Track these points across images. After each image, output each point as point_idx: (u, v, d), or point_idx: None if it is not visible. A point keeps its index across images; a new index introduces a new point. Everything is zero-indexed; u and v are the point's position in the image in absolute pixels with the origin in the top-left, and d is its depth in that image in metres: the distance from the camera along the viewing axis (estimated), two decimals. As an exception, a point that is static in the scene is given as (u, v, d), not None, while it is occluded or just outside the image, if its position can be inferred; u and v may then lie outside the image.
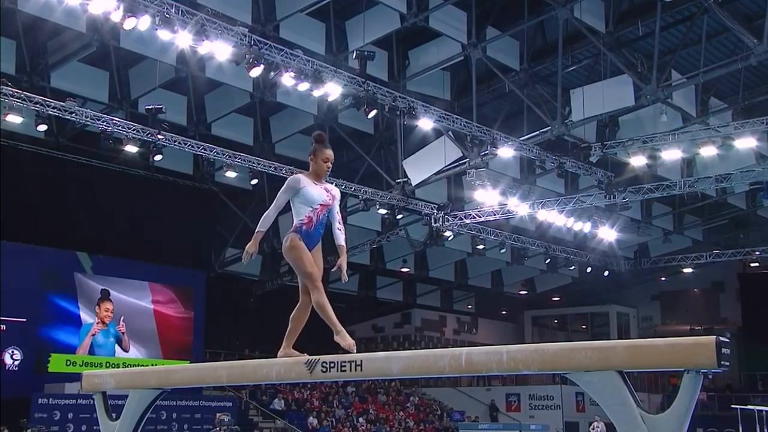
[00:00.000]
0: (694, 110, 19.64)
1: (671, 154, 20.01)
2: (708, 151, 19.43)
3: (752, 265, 29.69)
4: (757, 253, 26.37)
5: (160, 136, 16.96)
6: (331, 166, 5.30)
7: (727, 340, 3.68)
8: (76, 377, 6.19)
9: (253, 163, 18.89)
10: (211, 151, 18.22)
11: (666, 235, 27.61)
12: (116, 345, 20.74)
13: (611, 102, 18.54)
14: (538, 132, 19.44)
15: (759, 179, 20.49)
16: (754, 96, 20.39)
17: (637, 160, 20.23)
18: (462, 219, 21.84)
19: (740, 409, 20.57)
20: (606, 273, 28.43)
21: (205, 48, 14.41)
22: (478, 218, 21.85)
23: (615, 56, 18.23)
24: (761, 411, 20.22)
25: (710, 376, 3.83)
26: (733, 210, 26.75)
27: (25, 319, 18.72)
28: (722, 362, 3.60)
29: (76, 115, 16.13)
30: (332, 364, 4.79)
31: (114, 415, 5.76)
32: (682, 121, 19.97)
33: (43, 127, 16.72)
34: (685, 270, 29.61)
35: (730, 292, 32.58)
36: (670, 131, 19.50)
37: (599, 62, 19.25)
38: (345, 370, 4.79)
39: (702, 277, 31.42)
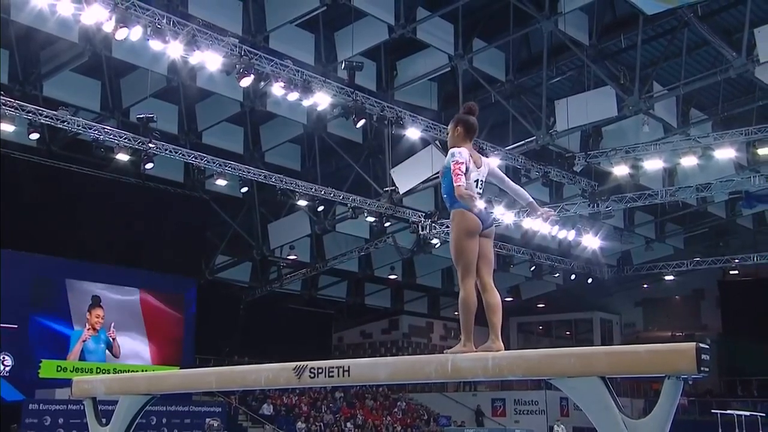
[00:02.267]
0: (676, 121, 20.02)
1: (653, 164, 20.38)
2: (689, 161, 19.83)
3: (732, 272, 30.15)
4: (737, 260, 26.82)
5: (151, 145, 17.15)
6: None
7: (707, 346, 3.76)
8: (67, 383, 6.25)
9: (243, 171, 19.11)
10: (202, 160, 18.44)
11: (648, 243, 28.01)
12: (107, 351, 20.85)
13: (595, 113, 18.89)
14: (523, 142, 19.75)
15: (738, 189, 20.95)
16: (733, 107, 20.82)
17: (620, 170, 20.59)
18: (449, 227, 22.10)
19: (720, 413, 20.93)
20: (590, 280, 28.78)
21: (196, 58, 14.60)
22: (464, 226, 22.08)
23: (598, 68, 18.60)
24: (741, 416, 20.64)
25: (690, 382, 3.91)
26: (713, 219, 27.15)
27: (16, 326, 18.81)
28: (702, 368, 3.67)
29: (68, 123, 16.31)
30: (320, 370, 4.81)
31: (104, 420, 5.79)
32: (664, 131, 20.36)
33: (35, 136, 16.91)
34: (667, 277, 29.96)
35: (710, 299, 33.00)
36: (652, 141, 19.89)
37: (583, 74, 19.60)
38: (333, 376, 4.81)
39: (683, 284, 31.78)
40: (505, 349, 4.58)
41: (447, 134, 4.87)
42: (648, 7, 16.54)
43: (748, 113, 20.38)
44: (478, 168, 4.71)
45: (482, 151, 18.77)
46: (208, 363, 22.36)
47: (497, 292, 4.66)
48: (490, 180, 4.81)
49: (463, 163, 4.55)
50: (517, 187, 5.01)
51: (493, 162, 4.78)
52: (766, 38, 16.53)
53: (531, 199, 5.01)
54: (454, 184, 4.48)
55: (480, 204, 4.60)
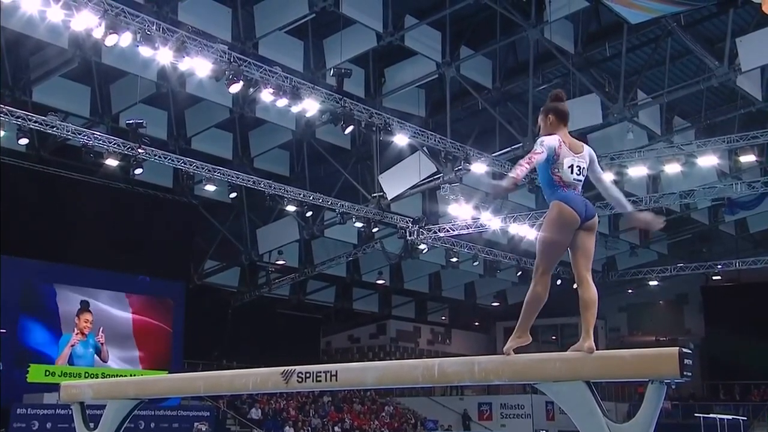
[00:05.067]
0: (659, 129, 20.31)
1: (637, 171, 20.64)
2: (672, 168, 20.08)
3: (714, 278, 30.43)
4: (719, 266, 27.05)
5: (140, 150, 17.19)
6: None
7: (690, 351, 3.85)
8: (55, 387, 6.19)
9: (232, 177, 19.17)
10: (191, 165, 18.49)
11: (633, 249, 28.33)
12: (95, 356, 20.85)
13: (580, 120, 19.06)
14: (510, 148, 19.95)
15: (721, 196, 21.24)
16: (715, 115, 21.08)
17: (605, 176, 20.80)
18: (436, 232, 22.31)
19: (703, 417, 21.20)
20: (575, 285, 28.95)
21: (185, 64, 14.66)
22: (451, 232, 22.28)
23: (584, 76, 18.89)
24: (723, 419, 20.92)
25: (674, 386, 3.94)
26: (696, 225, 27.50)
27: (4, 330, 18.80)
28: (685, 372, 3.75)
29: (58, 129, 16.32)
30: (308, 375, 4.87)
31: (92, 425, 5.82)
32: (648, 139, 20.64)
33: (24, 141, 16.91)
34: (651, 283, 30.23)
35: (693, 304, 33.33)
36: (636, 149, 20.12)
37: (569, 82, 19.83)
38: (320, 380, 4.88)
39: (667, 289, 32.12)
40: (491, 354, 4.68)
41: (538, 127, 4.71)
42: (632, 17, 16.83)
43: (730, 121, 20.68)
44: (577, 154, 4.48)
45: (468, 158, 19.07)
46: (196, 367, 22.43)
47: (594, 287, 4.41)
48: (586, 173, 4.53)
49: (539, 153, 4.36)
50: (618, 193, 4.78)
51: (586, 156, 4.51)
52: (748, 47, 16.85)
53: (631, 208, 4.93)
54: (510, 174, 4.29)
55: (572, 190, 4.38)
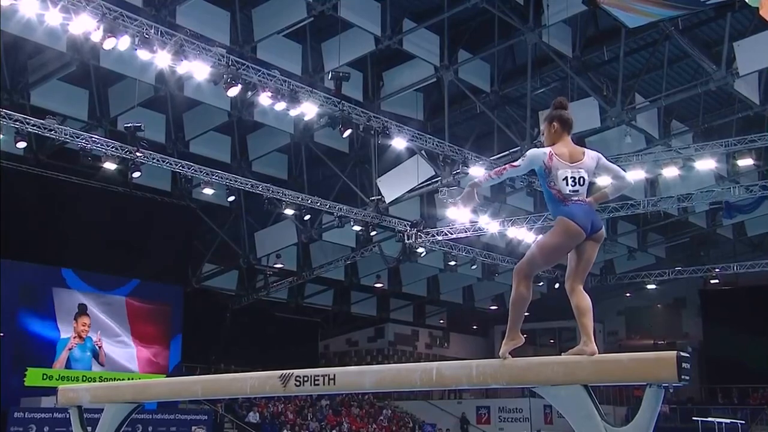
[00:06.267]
0: (657, 132, 20.33)
1: (635, 174, 20.54)
2: (670, 172, 20.12)
3: (712, 281, 30.43)
4: (717, 270, 27.05)
5: (138, 154, 17.20)
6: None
7: (688, 354, 3.86)
8: (53, 391, 6.16)
9: (231, 180, 19.18)
10: (189, 169, 18.49)
11: (631, 252, 28.31)
12: (93, 359, 20.83)
13: (578, 123, 18.55)
14: (508, 152, 19.95)
15: (719, 199, 21.25)
16: (713, 119, 21.15)
17: (603, 180, 20.75)
18: (434, 236, 22.30)
19: (701, 421, 21.23)
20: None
21: (183, 68, 14.64)
22: (449, 235, 22.27)
23: (582, 80, 18.90)
24: (721, 423, 20.94)
25: (672, 390, 3.99)
26: (694, 228, 27.52)
27: (2, 333, 18.78)
28: (683, 376, 3.76)
29: (56, 132, 16.33)
30: (306, 378, 4.87)
31: (90, 428, 5.82)
32: (646, 142, 20.67)
33: (22, 144, 16.91)
34: (649, 286, 30.20)
35: (691, 308, 33.36)
36: (634, 152, 20.16)
37: (567, 85, 19.88)
38: (318, 384, 4.87)
39: (665, 293, 32.14)
40: (490, 357, 4.62)
41: (542, 135, 4.64)
42: (630, 21, 16.83)
43: (728, 125, 20.73)
44: (574, 163, 4.36)
45: (466, 162, 19.09)
46: (194, 371, 22.38)
47: (587, 295, 4.40)
48: (588, 181, 4.38)
49: (515, 165, 4.36)
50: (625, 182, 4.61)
51: (588, 163, 4.38)
52: (746, 51, 16.89)
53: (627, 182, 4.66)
54: (475, 179, 4.37)
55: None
